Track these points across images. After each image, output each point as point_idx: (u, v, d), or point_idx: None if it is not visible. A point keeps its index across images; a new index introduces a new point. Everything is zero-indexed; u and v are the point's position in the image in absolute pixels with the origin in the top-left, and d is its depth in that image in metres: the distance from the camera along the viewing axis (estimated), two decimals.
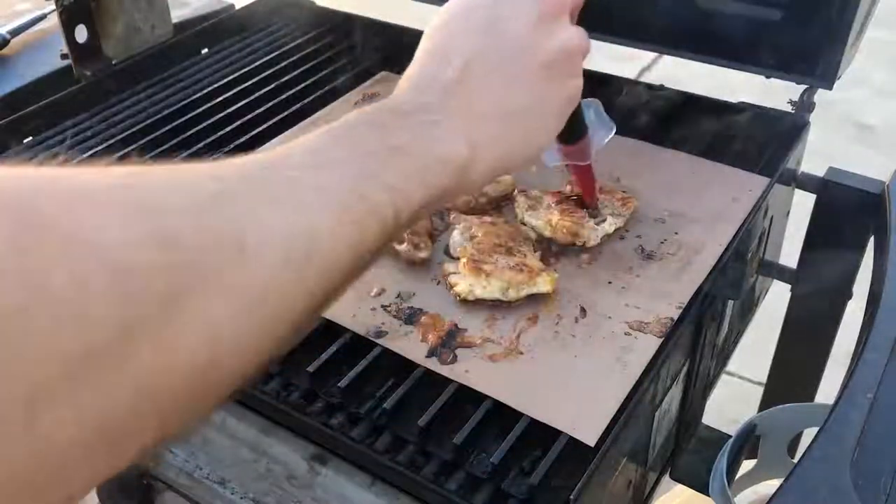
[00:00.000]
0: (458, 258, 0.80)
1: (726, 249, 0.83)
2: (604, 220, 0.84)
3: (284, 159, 0.43)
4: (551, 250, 0.84)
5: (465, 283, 0.76)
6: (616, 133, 1.02)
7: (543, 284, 0.76)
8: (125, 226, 0.31)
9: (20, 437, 0.27)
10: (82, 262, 0.29)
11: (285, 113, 1.09)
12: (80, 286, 0.29)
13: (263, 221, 0.38)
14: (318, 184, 0.42)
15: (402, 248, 0.81)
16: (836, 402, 0.64)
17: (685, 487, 0.91)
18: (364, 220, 0.44)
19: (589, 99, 0.74)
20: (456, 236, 0.83)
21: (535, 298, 0.77)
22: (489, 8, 0.56)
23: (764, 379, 1.24)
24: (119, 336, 0.30)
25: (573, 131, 0.71)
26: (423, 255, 0.81)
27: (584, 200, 0.84)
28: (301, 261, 0.39)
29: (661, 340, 0.73)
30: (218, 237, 0.35)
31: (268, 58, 1.22)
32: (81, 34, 1.11)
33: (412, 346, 0.73)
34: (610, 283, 0.80)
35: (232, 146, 1.03)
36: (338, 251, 0.41)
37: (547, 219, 0.84)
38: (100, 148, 1.02)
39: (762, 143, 1.01)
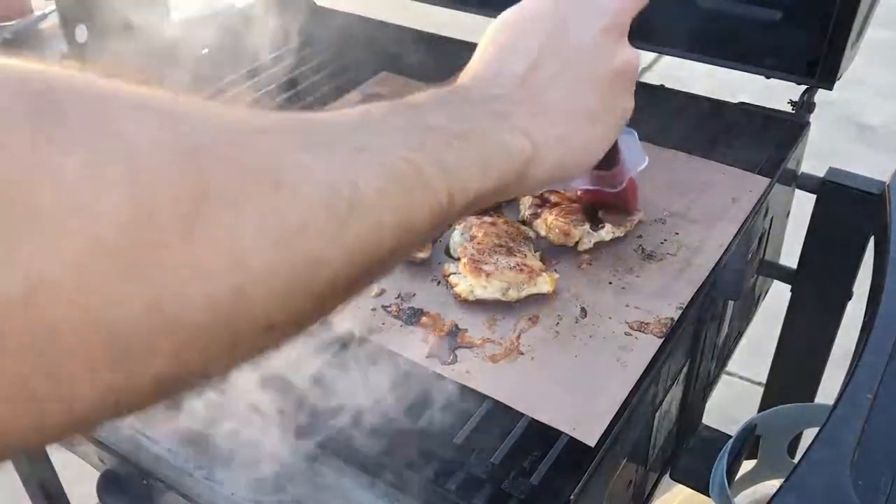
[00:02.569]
0: (458, 258, 0.80)
1: (726, 250, 0.83)
2: (602, 227, 0.84)
3: (331, 117, 0.41)
4: (552, 251, 0.84)
5: (465, 283, 0.76)
6: None
7: (544, 284, 0.76)
8: (152, 127, 0.29)
9: (19, 325, 0.25)
10: (99, 152, 0.27)
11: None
12: (94, 176, 0.27)
13: (302, 163, 0.35)
14: (367, 144, 0.40)
15: None
16: (836, 403, 0.64)
17: (685, 487, 0.91)
18: (414, 193, 0.41)
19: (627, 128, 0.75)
20: (456, 236, 0.83)
21: (535, 298, 0.77)
22: (557, 14, 0.57)
23: (764, 379, 1.24)
24: (131, 238, 0.27)
25: (610, 156, 0.70)
26: (423, 254, 0.81)
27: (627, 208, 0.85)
28: (343, 210, 0.36)
29: (661, 341, 0.73)
30: (253, 167, 0.33)
31: (268, 58, 1.21)
32: (81, 34, 1.11)
33: (412, 346, 0.73)
34: (610, 283, 0.80)
35: None
36: (382, 214, 0.39)
37: (543, 218, 0.84)
38: None
39: (762, 143, 1.01)
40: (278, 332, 0.35)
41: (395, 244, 0.40)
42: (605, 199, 0.82)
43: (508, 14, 0.58)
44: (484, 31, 0.59)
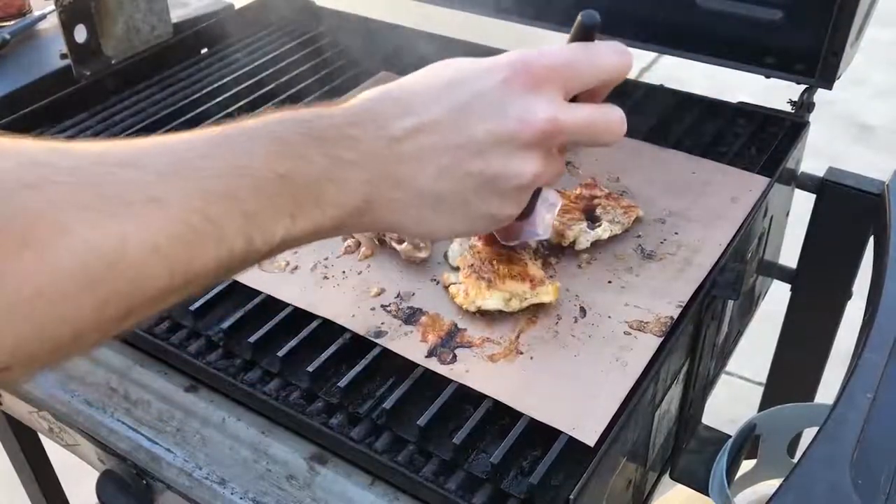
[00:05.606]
0: (458, 267, 0.79)
1: (726, 249, 0.83)
2: (599, 226, 0.83)
3: (141, 156, 0.41)
4: (552, 251, 0.84)
5: (466, 295, 0.76)
6: None
7: (545, 295, 0.75)
8: None
9: None
10: None
11: None
12: None
13: (67, 222, 0.37)
14: (163, 194, 0.40)
15: (402, 247, 0.81)
16: (836, 402, 0.64)
17: (685, 487, 0.91)
18: (201, 244, 0.41)
19: (555, 193, 0.70)
20: (455, 245, 0.82)
21: None
22: (478, 95, 0.52)
23: (764, 379, 1.24)
24: None
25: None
26: (422, 255, 0.81)
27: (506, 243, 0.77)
28: (100, 269, 0.37)
29: (660, 340, 0.73)
30: (5, 224, 0.35)
31: (268, 58, 1.22)
32: (81, 34, 1.11)
33: (412, 346, 0.73)
34: (610, 282, 0.80)
35: None
36: (154, 268, 0.39)
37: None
38: None
39: (762, 143, 1.01)
40: (17, 370, 0.37)
41: (166, 289, 0.41)
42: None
43: (445, 65, 0.55)
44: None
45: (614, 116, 0.57)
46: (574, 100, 0.56)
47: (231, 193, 0.43)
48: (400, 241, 0.81)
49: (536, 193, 0.65)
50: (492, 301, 0.75)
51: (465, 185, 0.53)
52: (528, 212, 0.66)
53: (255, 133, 0.46)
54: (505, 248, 0.79)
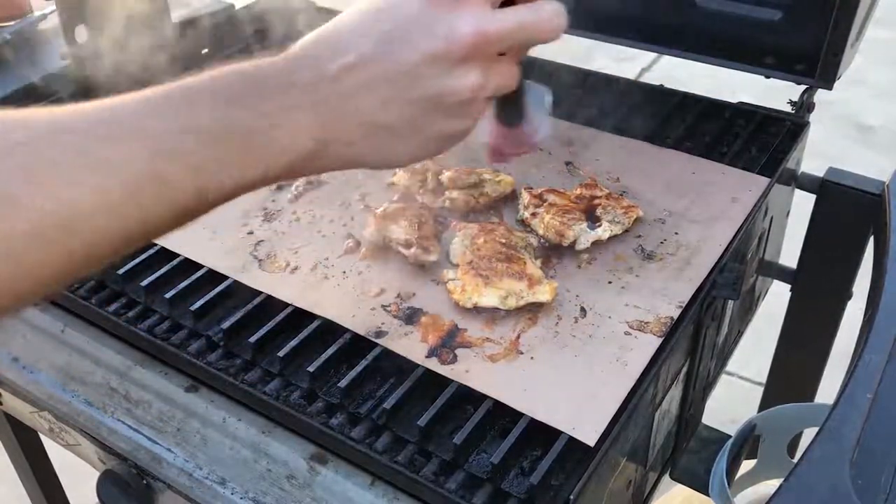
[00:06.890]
0: (457, 265, 0.79)
1: (726, 250, 0.83)
2: (599, 226, 0.84)
3: (88, 122, 0.44)
4: (552, 250, 0.84)
5: (463, 291, 0.76)
6: (617, 133, 1.03)
7: (542, 294, 0.76)
8: None
9: None
10: None
11: None
12: None
13: (16, 195, 0.40)
14: (108, 156, 0.43)
15: (411, 251, 0.80)
16: (836, 402, 0.64)
17: (685, 487, 0.91)
18: (154, 200, 0.45)
19: (543, 87, 0.68)
20: (456, 243, 0.82)
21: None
22: (402, 21, 0.53)
23: (764, 379, 1.24)
24: None
25: (511, 116, 0.66)
26: (432, 258, 0.81)
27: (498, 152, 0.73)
28: (56, 235, 0.41)
29: (661, 340, 0.73)
30: None
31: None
32: (81, 34, 1.11)
33: (412, 346, 0.73)
34: (610, 283, 0.80)
35: None
36: (109, 229, 0.43)
37: (541, 217, 0.84)
38: None
39: (762, 143, 1.01)
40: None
41: (121, 246, 0.45)
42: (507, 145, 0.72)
43: (365, 2, 0.55)
44: None
45: (545, 12, 0.56)
46: (510, 2, 0.55)
47: (179, 150, 0.46)
48: (407, 246, 0.81)
49: (520, 96, 0.64)
50: (488, 298, 0.75)
51: (411, 111, 0.54)
52: (519, 116, 0.65)
53: (197, 89, 0.49)
54: (505, 245, 0.79)
